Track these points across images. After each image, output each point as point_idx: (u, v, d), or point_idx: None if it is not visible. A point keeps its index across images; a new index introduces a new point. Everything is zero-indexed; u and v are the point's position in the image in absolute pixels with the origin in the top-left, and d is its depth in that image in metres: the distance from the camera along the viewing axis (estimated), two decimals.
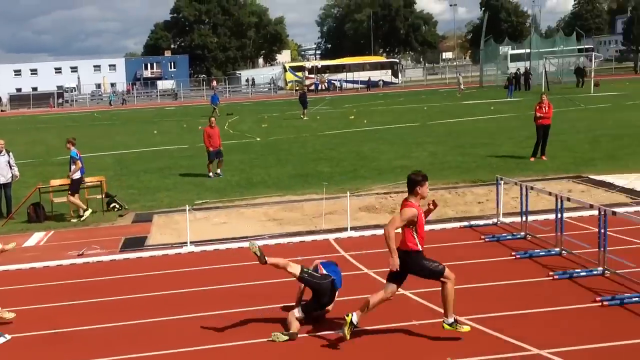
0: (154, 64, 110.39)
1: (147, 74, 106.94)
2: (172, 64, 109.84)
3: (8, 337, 7.82)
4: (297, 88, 57.08)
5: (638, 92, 43.23)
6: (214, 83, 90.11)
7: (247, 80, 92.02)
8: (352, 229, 12.02)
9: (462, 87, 55.16)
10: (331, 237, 11.80)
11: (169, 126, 39.31)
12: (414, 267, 7.13)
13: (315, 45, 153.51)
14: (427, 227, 11.74)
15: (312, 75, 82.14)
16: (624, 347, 6.66)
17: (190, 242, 11.59)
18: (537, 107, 18.84)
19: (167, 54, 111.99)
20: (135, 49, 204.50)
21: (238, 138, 30.00)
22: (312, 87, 74.39)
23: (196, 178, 18.97)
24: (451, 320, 7.11)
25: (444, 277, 7.06)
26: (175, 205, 15.14)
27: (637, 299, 7.83)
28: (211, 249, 11.48)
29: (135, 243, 12.12)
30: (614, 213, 8.90)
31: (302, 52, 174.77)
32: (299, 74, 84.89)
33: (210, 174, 18.99)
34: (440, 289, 7.14)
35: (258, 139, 29.04)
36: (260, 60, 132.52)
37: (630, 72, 75.59)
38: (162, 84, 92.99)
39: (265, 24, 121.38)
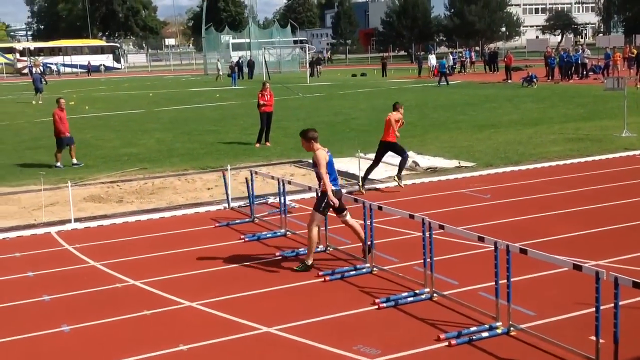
0: None
1: None
2: None
3: None
4: (33, 67, 51.55)
5: (347, 82, 47.04)
6: None
7: None
8: (76, 220, 11.42)
9: (221, 72, 55.03)
10: (53, 230, 11.08)
11: None
12: None
13: (26, 26, 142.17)
14: (157, 216, 11.70)
15: (25, 58, 75.96)
16: (345, 317, 7.24)
17: None
18: (260, 95, 19.50)
19: None
20: None
21: None
22: (26, 71, 68.57)
23: None
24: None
25: None
26: None
27: (354, 272, 8.56)
28: None
29: None
30: None
31: (12, 33, 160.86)
32: (10, 56, 78.04)
33: (59, 163, 16.57)
34: None
35: None
36: None
37: (342, 64, 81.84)
38: None
39: None
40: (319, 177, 8.85)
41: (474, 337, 6.53)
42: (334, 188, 8.74)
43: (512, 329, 6.63)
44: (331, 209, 8.88)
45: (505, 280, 6.60)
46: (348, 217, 8.98)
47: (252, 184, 11.47)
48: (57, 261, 9.52)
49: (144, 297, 8.02)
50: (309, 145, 8.92)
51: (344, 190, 9.72)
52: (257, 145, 19.21)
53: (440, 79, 41.45)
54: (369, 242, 8.75)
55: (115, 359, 6.40)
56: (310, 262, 8.75)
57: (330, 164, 8.80)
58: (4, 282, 8.74)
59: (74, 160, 16.86)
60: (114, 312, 7.55)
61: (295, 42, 71.22)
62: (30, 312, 7.69)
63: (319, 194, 8.90)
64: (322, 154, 8.79)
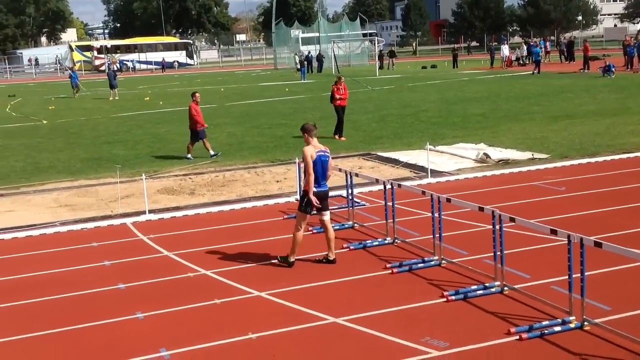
0: None
1: None
2: None
3: None
4: (111, 64, 52.92)
5: (417, 74, 46.57)
6: None
7: (29, 60, 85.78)
8: (150, 211, 11.74)
9: (298, 66, 55.38)
10: (129, 221, 11.43)
11: None
12: None
13: (103, 25, 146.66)
14: (227, 208, 11.90)
15: (102, 55, 78.33)
16: (413, 310, 7.20)
17: None
18: (335, 89, 19.49)
19: None
20: None
21: (22, 121, 27.97)
22: (104, 68, 70.61)
23: None
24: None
25: None
26: None
27: (422, 264, 8.49)
28: None
29: None
30: (399, 186, 9.61)
31: (90, 31, 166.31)
32: (87, 53, 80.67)
33: (189, 155, 16.93)
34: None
35: (45, 122, 27.23)
36: (44, 39, 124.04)
37: (411, 56, 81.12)
38: None
39: (45, 1, 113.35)
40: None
41: (545, 332, 6.39)
42: (316, 189, 8.56)
43: (585, 323, 6.45)
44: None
45: (579, 274, 6.43)
46: (326, 218, 8.81)
47: None
48: (132, 251, 9.82)
49: (215, 287, 8.18)
50: (305, 140, 8.70)
51: (409, 183, 9.56)
52: (341, 138, 19.11)
53: (536, 68, 41.13)
54: (332, 257, 8.71)
55: (186, 346, 6.56)
56: (292, 259, 8.71)
57: (319, 162, 8.55)
58: (83, 271, 9.07)
59: (211, 152, 17.02)
60: (185, 300, 7.73)
61: (364, 35, 70.93)
62: (106, 299, 7.97)
63: (302, 193, 8.72)
64: (309, 150, 8.55)
